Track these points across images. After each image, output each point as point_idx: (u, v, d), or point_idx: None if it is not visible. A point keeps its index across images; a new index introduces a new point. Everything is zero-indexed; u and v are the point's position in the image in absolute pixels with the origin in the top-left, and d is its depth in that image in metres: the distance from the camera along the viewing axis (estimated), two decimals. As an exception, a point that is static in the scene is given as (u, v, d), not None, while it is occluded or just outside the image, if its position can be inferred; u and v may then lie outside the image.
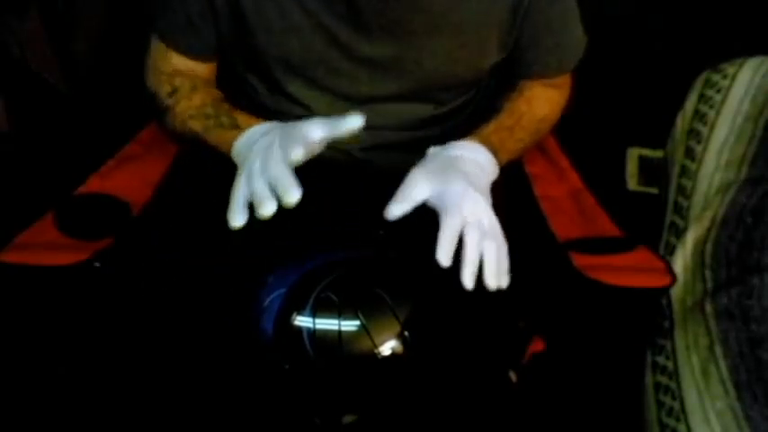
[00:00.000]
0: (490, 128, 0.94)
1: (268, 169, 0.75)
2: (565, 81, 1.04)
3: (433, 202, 0.79)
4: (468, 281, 0.74)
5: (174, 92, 0.96)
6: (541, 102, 1.01)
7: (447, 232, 0.75)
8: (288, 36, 0.90)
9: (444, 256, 0.74)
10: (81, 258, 0.86)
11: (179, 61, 0.97)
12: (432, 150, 0.87)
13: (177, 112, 0.95)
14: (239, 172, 0.79)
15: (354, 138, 0.98)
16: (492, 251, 0.76)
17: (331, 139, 0.78)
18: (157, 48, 0.98)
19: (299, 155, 0.75)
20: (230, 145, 0.86)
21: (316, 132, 0.77)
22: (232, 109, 0.93)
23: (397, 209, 0.78)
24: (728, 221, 1.04)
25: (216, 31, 0.94)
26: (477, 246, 0.75)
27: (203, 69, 0.99)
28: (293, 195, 0.73)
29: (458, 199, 0.78)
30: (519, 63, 0.98)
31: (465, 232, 0.76)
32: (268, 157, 0.76)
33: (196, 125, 0.93)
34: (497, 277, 0.76)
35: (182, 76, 0.97)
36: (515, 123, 0.97)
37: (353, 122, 0.76)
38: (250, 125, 0.86)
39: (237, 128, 0.88)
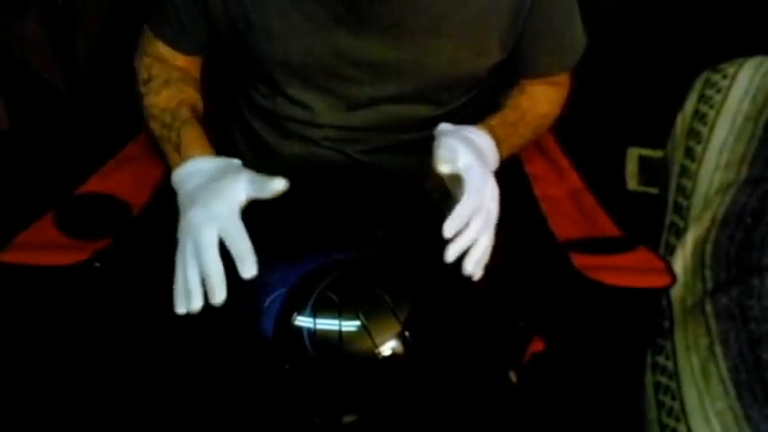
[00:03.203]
0: (495, 121, 0.94)
1: (201, 257, 0.74)
2: (565, 79, 1.04)
3: (462, 173, 0.79)
4: (450, 255, 0.75)
5: (148, 80, 0.97)
6: (542, 99, 1.02)
7: (462, 210, 0.76)
8: (288, 39, 0.90)
9: (450, 230, 0.75)
10: (81, 258, 0.86)
11: (163, 48, 0.98)
12: (444, 126, 0.86)
13: (144, 104, 0.96)
14: (178, 244, 0.78)
15: (354, 140, 0.99)
16: (484, 242, 0.77)
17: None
18: (147, 30, 0.99)
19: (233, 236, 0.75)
20: (172, 169, 0.87)
21: (241, 196, 0.78)
22: (188, 121, 0.92)
23: (446, 167, 0.78)
24: (728, 221, 1.04)
25: (209, 30, 0.94)
26: (476, 234, 0.77)
27: (185, 61, 0.99)
28: (219, 296, 0.73)
29: (482, 182, 0.79)
30: (520, 62, 0.98)
31: (473, 216, 0.77)
32: (199, 242, 0.74)
33: (155, 127, 0.94)
34: (476, 266, 0.77)
35: (161, 64, 0.98)
36: (519, 119, 0.97)
37: (278, 185, 0.77)
38: (189, 155, 0.86)
39: (179, 152, 0.88)
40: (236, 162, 0.85)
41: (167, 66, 0.98)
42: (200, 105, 0.98)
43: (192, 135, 0.90)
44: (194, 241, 0.75)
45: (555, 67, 1.00)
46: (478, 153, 0.83)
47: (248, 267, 0.73)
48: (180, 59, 0.99)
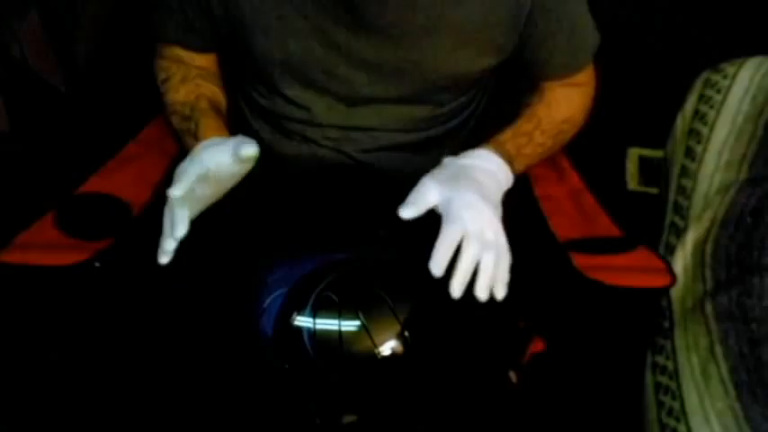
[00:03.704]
0: (507, 135, 0.94)
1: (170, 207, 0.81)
2: (586, 80, 1.02)
3: (440, 209, 0.79)
4: (455, 290, 0.74)
5: (166, 80, 0.98)
6: (562, 103, 1.00)
7: (443, 242, 0.75)
8: (286, 39, 0.90)
9: (437, 267, 0.74)
10: (81, 258, 0.86)
11: (178, 50, 0.99)
12: (446, 160, 0.86)
13: (165, 102, 0.98)
14: None
15: (354, 140, 0.99)
16: (489, 263, 0.75)
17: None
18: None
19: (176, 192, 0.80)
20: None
21: (209, 161, 0.82)
22: (206, 112, 0.93)
23: (408, 212, 0.78)
24: (728, 221, 1.04)
25: (212, 30, 0.95)
26: (474, 257, 0.74)
27: (201, 60, 1.00)
28: (178, 230, 0.79)
29: (462, 208, 0.77)
30: (532, 64, 0.97)
31: (464, 243, 0.75)
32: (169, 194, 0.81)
33: (175, 122, 0.96)
34: (488, 290, 0.75)
35: (178, 64, 0.99)
36: (534, 128, 0.96)
37: (248, 150, 0.80)
38: (206, 137, 0.88)
39: (196, 138, 0.89)
40: (249, 140, 0.85)
41: (185, 65, 0.99)
42: (220, 98, 0.99)
43: (210, 123, 0.92)
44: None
45: (568, 67, 0.99)
46: (471, 182, 0.82)
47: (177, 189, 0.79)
48: (197, 59, 1.00)
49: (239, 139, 0.82)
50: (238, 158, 0.80)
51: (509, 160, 0.88)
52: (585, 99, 1.03)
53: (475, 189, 0.81)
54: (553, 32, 0.93)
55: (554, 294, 0.92)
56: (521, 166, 0.91)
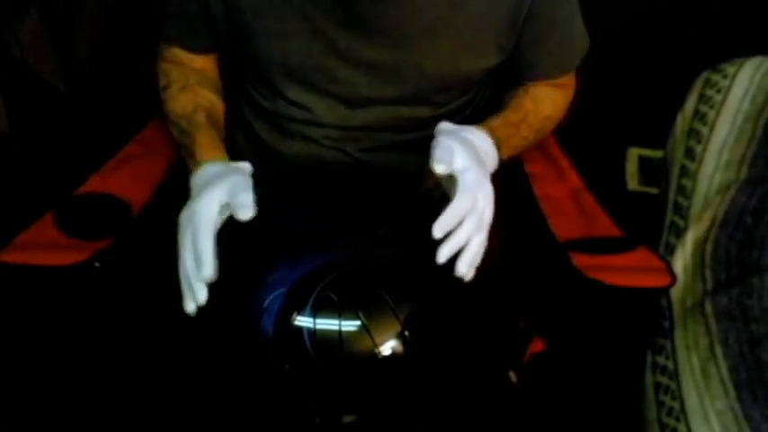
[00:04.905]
0: (497, 122, 0.94)
1: (179, 258, 0.77)
2: (569, 82, 1.03)
3: (456, 174, 0.79)
4: (442, 256, 0.75)
5: (166, 87, 0.98)
6: (546, 100, 1.01)
7: (453, 211, 0.76)
8: (286, 41, 0.90)
9: (439, 231, 0.75)
10: (81, 258, 0.86)
11: (179, 51, 0.99)
12: (444, 125, 0.86)
13: (165, 111, 0.97)
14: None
15: (354, 139, 0.99)
16: (477, 244, 0.77)
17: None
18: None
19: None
20: (190, 172, 0.87)
21: (214, 206, 0.78)
22: (201, 126, 0.92)
23: (441, 167, 0.78)
24: (728, 221, 1.04)
25: (211, 30, 0.95)
26: (469, 233, 0.76)
27: (200, 62, 1.00)
28: (207, 273, 0.74)
29: (476, 184, 0.78)
30: (522, 64, 0.98)
31: (465, 216, 0.76)
32: (180, 242, 0.78)
33: (174, 133, 0.96)
34: (470, 266, 0.77)
35: (179, 68, 0.99)
36: (521, 120, 0.97)
37: (244, 214, 0.76)
38: (201, 161, 0.87)
39: (193, 159, 0.88)
40: (244, 166, 0.84)
41: (185, 69, 0.99)
42: (218, 106, 0.99)
43: (205, 141, 0.90)
44: (178, 241, 0.78)
45: (557, 69, 1.00)
46: (476, 155, 0.83)
47: (205, 269, 0.74)
48: (196, 61, 1.00)
49: (240, 199, 0.77)
50: (235, 213, 0.77)
51: (498, 146, 0.89)
52: (566, 100, 1.04)
53: (481, 165, 0.82)
54: (546, 35, 0.94)
55: (554, 294, 0.92)
56: (504, 156, 0.92)
